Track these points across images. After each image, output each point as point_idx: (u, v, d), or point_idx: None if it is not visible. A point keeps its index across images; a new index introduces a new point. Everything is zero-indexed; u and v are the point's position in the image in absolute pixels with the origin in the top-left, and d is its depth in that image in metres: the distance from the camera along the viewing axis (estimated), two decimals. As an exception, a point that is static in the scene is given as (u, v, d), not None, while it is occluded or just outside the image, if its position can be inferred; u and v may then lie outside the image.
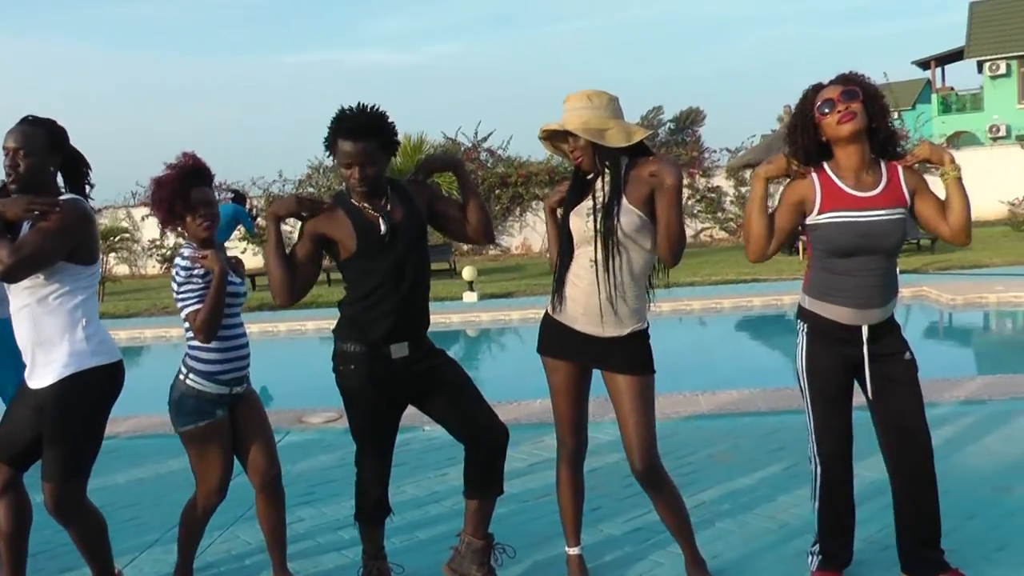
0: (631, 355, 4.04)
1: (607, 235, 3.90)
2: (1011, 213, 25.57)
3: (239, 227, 18.78)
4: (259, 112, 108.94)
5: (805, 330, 4.06)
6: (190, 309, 4.06)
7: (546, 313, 4.22)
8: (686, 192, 29.98)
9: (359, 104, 4.02)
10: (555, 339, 4.16)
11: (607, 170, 3.95)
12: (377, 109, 4.04)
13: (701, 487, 5.55)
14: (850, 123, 3.82)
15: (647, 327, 4.09)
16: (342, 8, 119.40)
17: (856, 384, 4.07)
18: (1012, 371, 8.74)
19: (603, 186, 3.97)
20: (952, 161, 3.93)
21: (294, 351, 13.82)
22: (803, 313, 4.08)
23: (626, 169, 3.97)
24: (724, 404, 7.54)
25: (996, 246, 20.73)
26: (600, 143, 3.89)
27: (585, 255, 4.01)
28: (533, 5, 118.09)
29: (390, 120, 4.05)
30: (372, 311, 4.07)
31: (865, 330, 3.92)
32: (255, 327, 13.64)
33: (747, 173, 29.68)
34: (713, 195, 30.24)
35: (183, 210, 4.13)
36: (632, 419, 4.03)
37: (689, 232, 30.16)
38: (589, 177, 4.05)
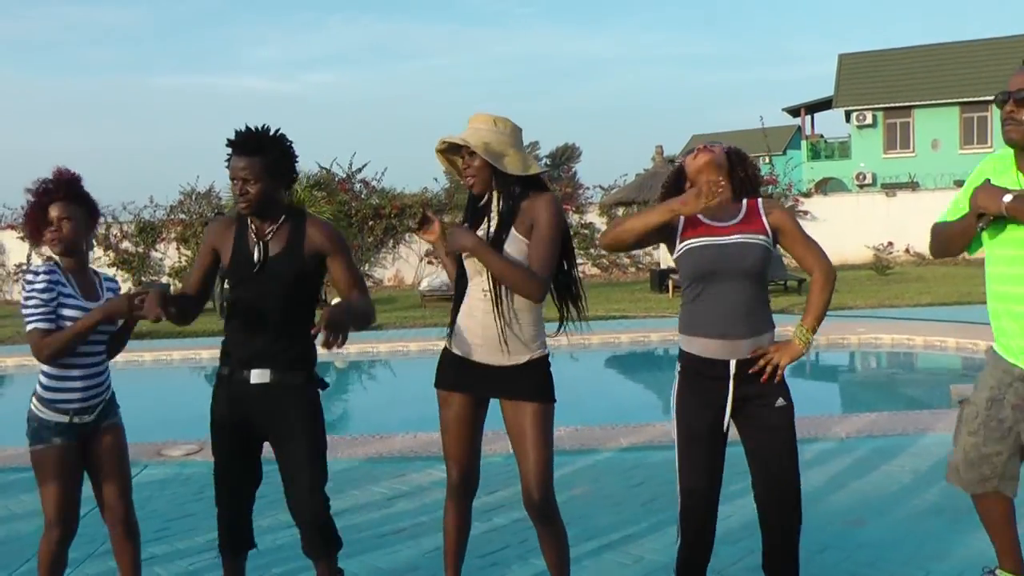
0: (531, 383, 4.04)
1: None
2: (876, 257, 26.46)
3: None
4: (130, 135, 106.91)
5: (678, 370, 4.05)
6: (30, 326, 3.95)
7: (444, 348, 4.22)
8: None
9: (246, 126, 3.98)
10: (452, 372, 4.15)
11: (498, 197, 3.99)
12: (272, 131, 4.00)
13: (560, 521, 5.56)
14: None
15: (547, 354, 4.11)
16: (219, 34, 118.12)
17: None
18: (871, 410, 9.01)
19: (494, 215, 4.00)
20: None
21: (159, 381, 13.44)
22: (680, 353, 4.07)
23: (517, 199, 3.98)
24: (586, 439, 7.58)
25: (861, 289, 21.40)
26: (497, 167, 3.93)
27: (478, 285, 4.03)
28: (410, 38, 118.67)
29: (283, 143, 4.01)
30: (231, 338, 4.08)
31: (732, 365, 3.88)
32: (120, 356, 13.13)
33: (620, 210, 30.18)
34: (586, 231, 30.64)
35: (40, 225, 4.07)
36: (532, 450, 4.02)
37: (562, 268, 30.43)
38: (480, 205, 4.08)
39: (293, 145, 4.06)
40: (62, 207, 4.06)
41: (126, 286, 25.41)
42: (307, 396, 4.09)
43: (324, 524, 4.10)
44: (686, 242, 3.92)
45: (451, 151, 4.14)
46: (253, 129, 3.97)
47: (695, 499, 4.00)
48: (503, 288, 3.95)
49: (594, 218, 30.75)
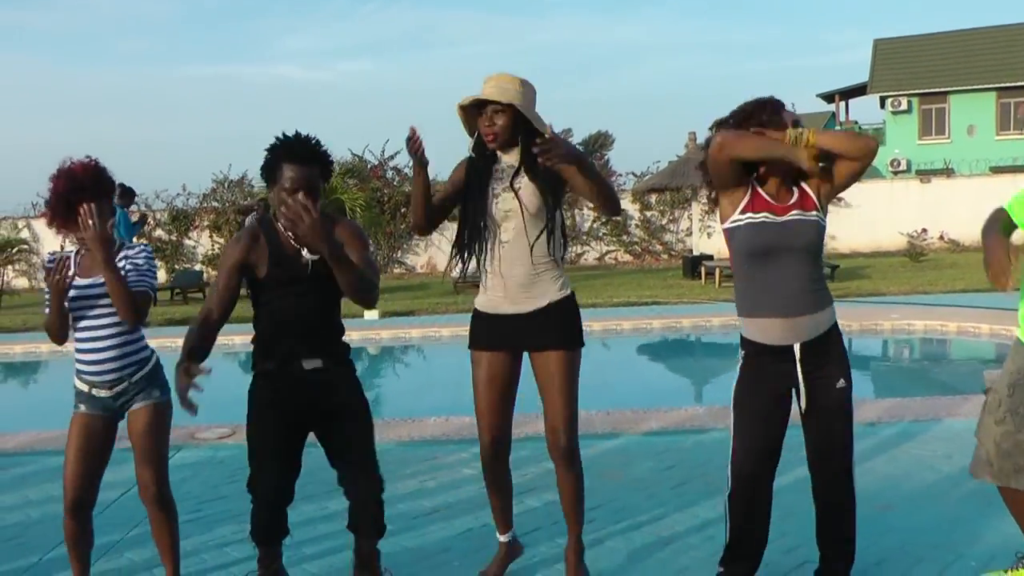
0: (557, 329, 4.20)
1: (523, 212, 4.13)
2: (909, 244, 26.26)
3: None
4: (163, 124, 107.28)
5: (743, 355, 4.07)
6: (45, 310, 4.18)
7: (474, 310, 4.38)
8: (591, 215, 30.32)
9: (297, 132, 4.05)
10: (483, 331, 4.32)
11: (521, 152, 4.13)
12: (315, 140, 4.08)
13: (589, 504, 5.53)
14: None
15: (570, 294, 4.25)
16: (251, 24, 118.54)
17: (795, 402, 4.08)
18: (902, 395, 8.97)
19: (512, 167, 4.18)
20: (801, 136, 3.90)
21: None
22: (742, 341, 4.08)
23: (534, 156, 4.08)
24: (617, 423, 7.61)
25: (894, 276, 21.26)
26: (536, 126, 4.06)
27: (496, 236, 4.20)
28: (443, 26, 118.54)
29: (327, 152, 4.11)
30: (266, 333, 4.17)
31: (797, 349, 3.91)
32: (154, 342, 13.26)
33: (652, 197, 30.13)
34: (618, 218, 30.56)
35: (63, 216, 4.17)
36: (559, 396, 4.20)
37: (594, 254, 30.50)
38: (481, 164, 4.25)
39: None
40: (93, 203, 4.12)
41: (160, 275, 25.69)
42: (356, 381, 4.23)
43: (378, 503, 4.20)
44: (747, 215, 3.94)
45: (472, 108, 4.22)
46: (305, 138, 4.03)
47: (748, 486, 4.04)
48: (524, 235, 4.13)
49: (626, 205, 30.63)
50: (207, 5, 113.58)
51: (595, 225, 30.66)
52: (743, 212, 3.95)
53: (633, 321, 14.76)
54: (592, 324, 14.27)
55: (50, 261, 4.13)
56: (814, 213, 3.94)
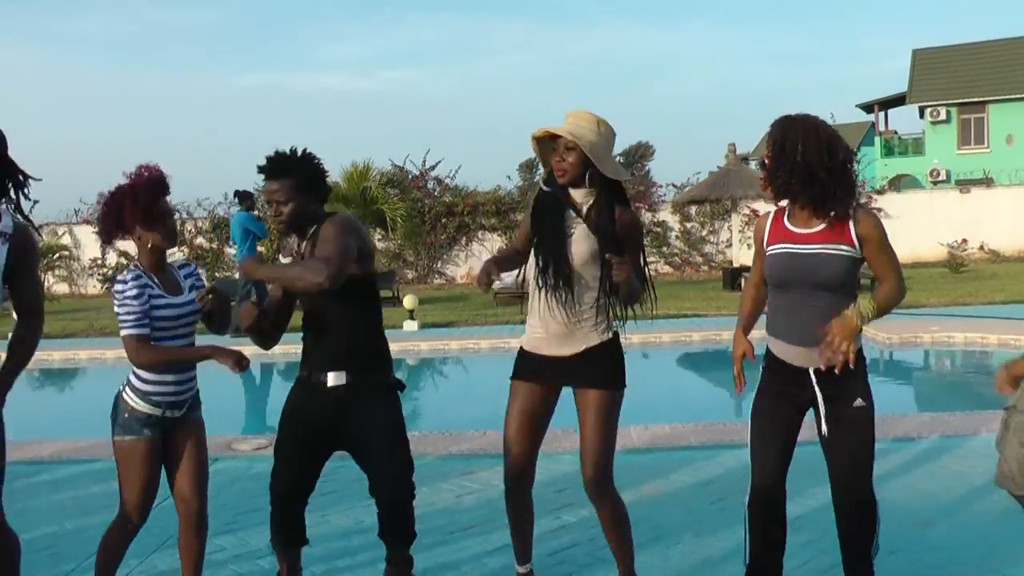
0: (594, 370, 4.19)
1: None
2: (949, 255, 25.95)
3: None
4: (207, 132, 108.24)
5: (764, 365, 4.13)
6: (124, 332, 4.02)
7: (519, 348, 4.39)
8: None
9: (290, 148, 4.19)
10: (524, 364, 4.33)
11: (588, 195, 4.15)
12: (301, 151, 4.20)
13: (628, 520, 5.53)
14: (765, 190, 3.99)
15: (610, 339, 4.22)
16: (296, 33, 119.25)
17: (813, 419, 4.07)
18: (943, 409, 8.84)
19: (582, 210, 4.16)
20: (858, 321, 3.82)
21: (231, 376, 13.49)
22: (766, 350, 4.13)
23: (607, 202, 4.15)
24: (656, 438, 7.54)
25: (934, 287, 21.01)
26: (599, 168, 4.08)
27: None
28: (487, 36, 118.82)
29: (310, 162, 4.19)
30: (306, 340, 4.27)
31: (812, 372, 3.92)
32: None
33: (692, 209, 29.99)
34: (659, 229, 30.49)
35: (142, 223, 4.06)
36: (591, 433, 4.18)
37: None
38: (550, 202, 4.22)
39: (321, 162, 4.25)
40: (165, 202, 4.13)
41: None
42: (385, 391, 4.24)
43: (408, 510, 4.22)
44: (770, 247, 4.00)
45: (547, 139, 4.21)
46: (280, 153, 4.16)
47: (766, 497, 4.06)
48: (561, 283, 4.11)
49: (667, 216, 30.58)
50: (254, 15, 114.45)
51: (634, 236, 30.55)
52: (768, 244, 4.02)
53: (673, 334, 14.64)
54: (631, 337, 14.13)
55: (136, 277, 4.03)
56: (844, 247, 3.85)
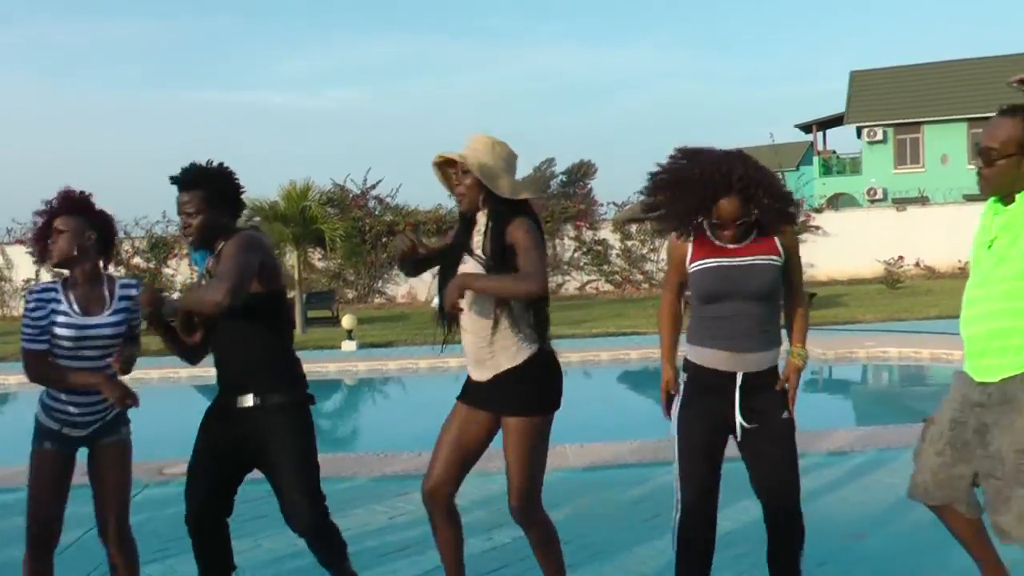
0: (511, 395, 4.10)
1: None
2: (886, 271, 26.32)
3: None
4: (145, 150, 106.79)
5: (686, 380, 4.10)
6: (22, 344, 4.00)
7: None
8: (572, 244, 30.44)
9: (207, 161, 4.16)
10: (464, 386, 4.27)
11: (487, 217, 4.09)
12: (216, 164, 4.15)
13: (561, 539, 5.48)
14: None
15: (525, 363, 4.08)
16: (240, 50, 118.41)
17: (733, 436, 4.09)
18: (876, 423, 8.92)
19: (480, 232, 4.11)
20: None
21: (166, 399, 13.32)
22: (686, 364, 4.11)
23: (504, 221, 4.06)
24: (592, 456, 7.51)
25: (871, 303, 21.27)
26: (490, 188, 4.02)
27: (465, 304, 4.09)
28: (431, 55, 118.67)
29: (223, 175, 4.13)
30: (216, 361, 4.20)
31: (739, 377, 3.95)
32: (127, 375, 13.04)
33: (633, 227, 30.17)
34: (599, 248, 30.62)
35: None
36: (511, 460, 4.12)
37: (574, 284, 30.52)
38: (467, 222, 4.19)
39: (236, 177, 4.18)
40: (59, 221, 4.09)
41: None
42: (293, 411, 4.12)
43: (325, 529, 4.14)
44: (698, 263, 3.99)
45: (447, 165, 4.19)
46: (193, 164, 4.10)
47: (695, 513, 4.03)
48: (474, 307, 4.05)
49: (607, 234, 30.72)
50: (197, 32, 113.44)
51: (576, 255, 30.69)
52: (694, 261, 4.01)
53: (611, 352, 14.69)
54: (570, 355, 14.24)
55: (42, 291, 4.04)
56: (773, 257, 3.97)
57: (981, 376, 3.73)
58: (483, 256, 4.04)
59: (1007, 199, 3.68)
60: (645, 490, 6.53)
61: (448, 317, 4.14)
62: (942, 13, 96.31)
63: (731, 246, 3.96)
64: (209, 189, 4.05)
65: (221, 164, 4.16)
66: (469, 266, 4.08)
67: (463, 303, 4.02)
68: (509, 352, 4.07)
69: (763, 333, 3.97)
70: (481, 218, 4.13)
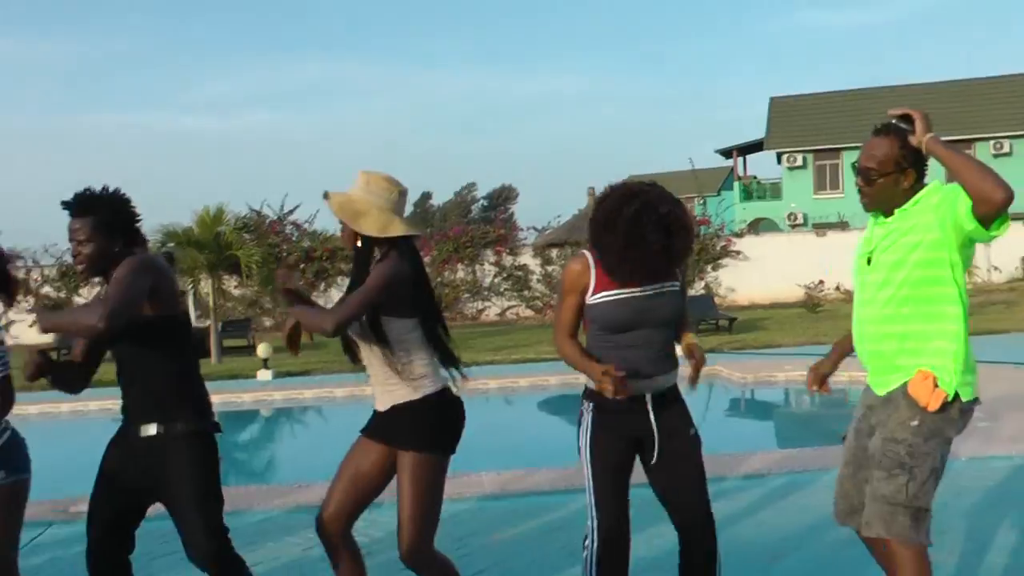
0: (405, 430, 4.07)
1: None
2: (807, 295, 26.73)
3: None
4: (58, 174, 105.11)
5: (591, 408, 4.09)
6: None
7: None
8: (493, 269, 30.55)
9: (101, 187, 4.06)
10: (370, 418, 4.24)
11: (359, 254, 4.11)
12: (110, 190, 4.05)
13: (475, 568, 5.45)
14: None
15: (424, 398, 4.07)
16: (154, 72, 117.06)
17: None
18: (794, 446, 9.04)
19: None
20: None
21: (77, 433, 13.01)
22: (588, 392, 4.12)
23: (368, 259, 4.10)
24: (508, 483, 7.50)
25: (791, 327, 21.58)
26: (350, 225, 4.04)
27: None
28: (349, 79, 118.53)
29: (115, 202, 4.03)
30: (120, 389, 4.11)
31: (649, 399, 3.99)
32: (34, 408, 12.88)
33: (553, 252, 30.33)
34: (520, 273, 30.72)
35: None
36: (401, 498, 4.06)
37: (495, 310, 30.57)
38: None
39: (132, 203, 4.09)
40: None
41: (48, 335, 25.00)
42: (196, 441, 4.04)
43: (228, 562, 4.06)
44: (604, 294, 3.98)
45: None
46: (86, 190, 4.01)
47: (614, 538, 4.03)
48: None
49: (528, 259, 30.83)
50: (108, 53, 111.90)
51: (496, 280, 30.76)
52: (597, 291, 3.99)
53: (530, 378, 14.72)
54: (489, 382, 14.29)
55: None
56: (675, 284, 4.07)
57: (876, 389, 3.95)
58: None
59: (888, 213, 3.86)
60: (561, 517, 6.53)
61: (349, 350, 4.20)
62: (861, 42, 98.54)
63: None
64: (101, 216, 3.96)
65: (116, 190, 4.07)
66: None
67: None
68: (410, 386, 4.07)
69: (668, 356, 4.06)
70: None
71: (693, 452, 4.09)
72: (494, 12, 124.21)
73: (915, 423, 3.74)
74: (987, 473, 7.31)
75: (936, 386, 3.71)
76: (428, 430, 4.07)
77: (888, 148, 3.80)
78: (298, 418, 14.54)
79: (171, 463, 3.97)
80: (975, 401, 3.84)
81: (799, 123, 45.94)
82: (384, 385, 4.11)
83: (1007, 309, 24.19)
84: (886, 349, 3.86)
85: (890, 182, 3.80)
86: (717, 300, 26.85)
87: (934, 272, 3.73)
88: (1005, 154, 41.78)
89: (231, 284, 25.43)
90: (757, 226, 44.31)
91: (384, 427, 4.13)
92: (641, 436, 4.03)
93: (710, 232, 31.50)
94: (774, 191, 48.21)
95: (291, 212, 30.93)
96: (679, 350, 4.13)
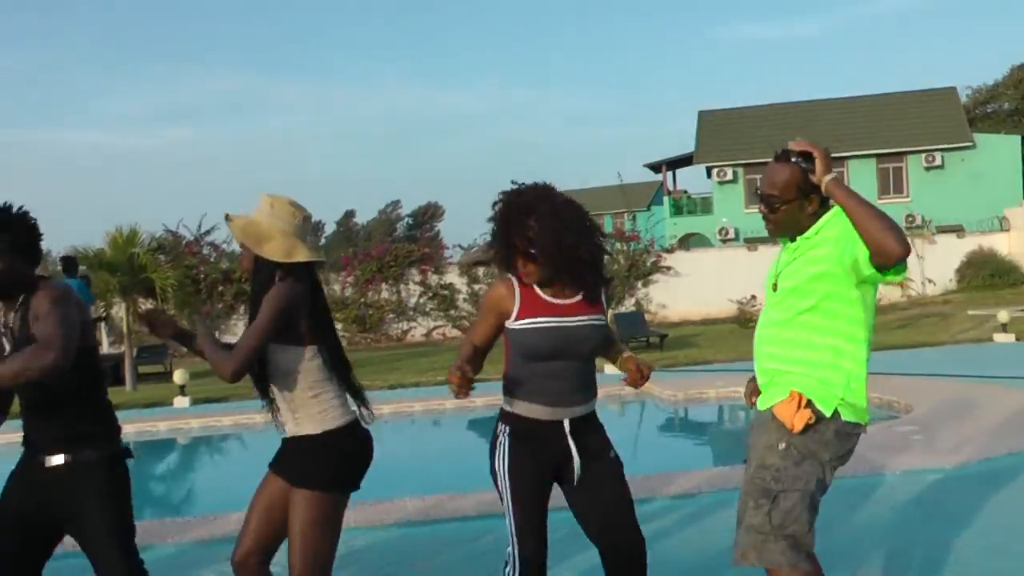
0: (300, 464, 4.02)
1: None
2: (739, 310, 26.99)
3: None
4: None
5: (507, 432, 4.08)
6: None
7: None
8: (418, 289, 30.51)
9: (4, 203, 3.96)
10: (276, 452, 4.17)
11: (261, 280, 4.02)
12: (15, 208, 3.96)
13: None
14: (528, 278, 3.98)
15: (331, 430, 4.01)
16: (68, 85, 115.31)
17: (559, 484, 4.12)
18: (725, 464, 9.09)
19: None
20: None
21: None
22: (504, 416, 4.12)
23: (267, 285, 4.01)
24: (432, 509, 7.46)
25: (723, 343, 21.76)
26: (253, 250, 3.98)
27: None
28: (273, 94, 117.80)
29: (28, 220, 3.96)
30: (23, 419, 4.01)
31: (567, 424, 3.99)
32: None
33: (480, 270, 30.34)
34: (446, 292, 30.69)
35: None
36: (293, 539, 3.97)
37: (421, 330, 30.51)
38: None
39: (37, 224, 4.01)
40: None
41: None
42: (106, 469, 3.97)
43: None
44: (528, 320, 3.98)
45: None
46: (3, 207, 3.93)
47: (535, 563, 4.01)
48: (283, 366, 4.01)
49: (454, 278, 30.82)
50: (21, 64, 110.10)
51: (422, 300, 30.70)
52: (522, 316, 3.99)
53: (456, 400, 14.57)
54: (414, 404, 14.22)
55: None
56: (602, 317, 4.09)
57: (759, 405, 3.97)
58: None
59: (793, 239, 3.91)
60: (488, 544, 6.48)
61: (256, 381, 4.12)
62: (790, 56, 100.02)
63: (560, 302, 4.00)
64: (15, 233, 3.90)
65: (21, 208, 3.98)
66: None
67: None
68: (313, 420, 4.01)
69: (588, 386, 4.08)
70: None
71: (616, 473, 4.09)
72: (419, 27, 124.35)
73: (782, 446, 3.75)
74: (921, 487, 7.43)
75: (801, 407, 3.71)
76: (321, 468, 3.98)
77: (789, 174, 3.82)
78: (216, 446, 14.33)
79: (82, 493, 3.90)
80: (859, 425, 3.85)
81: (729, 137, 46.48)
82: (288, 416, 4.05)
83: (942, 321, 24.66)
84: (772, 368, 3.89)
85: (793, 208, 3.83)
86: (648, 317, 27.03)
87: (829, 305, 3.74)
88: (937, 167, 42.62)
89: (147, 307, 25.09)
90: (688, 241, 44.76)
91: (281, 460, 4.09)
92: (560, 460, 4.02)
93: (640, 248, 31.74)
94: (705, 206, 48.67)
95: (208, 232, 30.57)
96: (614, 368, 4.13)
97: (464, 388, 3.73)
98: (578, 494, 4.08)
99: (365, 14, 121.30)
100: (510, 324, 4.01)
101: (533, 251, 3.88)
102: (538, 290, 4.00)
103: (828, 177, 3.67)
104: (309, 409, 4.00)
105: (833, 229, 3.74)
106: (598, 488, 4.05)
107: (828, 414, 3.74)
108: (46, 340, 3.67)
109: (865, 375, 3.83)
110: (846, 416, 3.78)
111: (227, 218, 4.05)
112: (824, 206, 3.85)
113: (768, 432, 3.80)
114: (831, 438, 3.77)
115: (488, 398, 14.59)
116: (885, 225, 3.48)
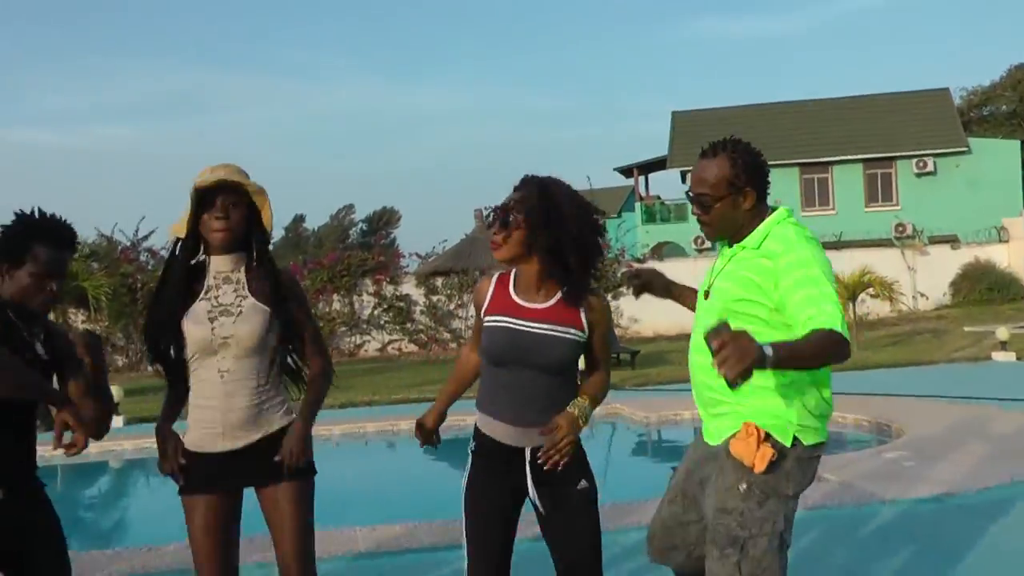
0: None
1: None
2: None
3: None
4: None
5: (472, 449, 4.08)
6: None
7: (186, 451, 4.09)
8: (372, 300, 30.41)
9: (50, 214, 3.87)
10: (195, 473, 4.07)
11: (249, 256, 4.02)
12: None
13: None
14: (497, 251, 3.91)
15: (284, 426, 4.06)
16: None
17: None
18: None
19: (239, 275, 4.01)
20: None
21: None
22: (475, 432, 4.10)
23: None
24: (384, 539, 7.41)
25: (697, 360, 21.74)
26: (264, 223, 3.99)
27: (212, 367, 3.98)
28: (218, 89, 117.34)
29: None
30: None
31: (528, 453, 3.93)
32: None
33: (439, 280, 30.29)
34: (402, 304, 30.61)
35: None
36: (293, 532, 4.02)
37: (375, 345, 30.42)
38: (191, 264, 4.03)
39: None
40: None
41: None
42: (47, 499, 3.95)
43: None
44: (491, 317, 3.96)
45: (209, 195, 3.93)
46: (63, 220, 3.86)
47: None
48: (249, 362, 3.97)
49: (411, 289, 30.74)
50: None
51: (376, 312, 30.58)
52: (487, 312, 4.00)
53: (410, 421, 14.47)
54: (367, 425, 14.16)
55: None
56: (573, 330, 3.93)
57: (706, 437, 3.96)
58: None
59: (733, 240, 3.90)
60: (443, 575, 6.47)
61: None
62: (775, 54, 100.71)
63: (529, 305, 3.93)
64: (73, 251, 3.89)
65: None
66: (230, 325, 4.03)
67: (224, 362, 3.97)
68: (280, 409, 4.06)
69: (554, 407, 3.91)
70: (223, 262, 4.03)
71: (581, 507, 4.00)
72: (374, 22, 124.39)
73: (743, 487, 3.71)
74: (912, 517, 7.42)
75: (760, 443, 3.66)
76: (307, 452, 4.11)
77: (718, 169, 3.84)
78: (152, 470, 14.16)
79: (25, 532, 3.82)
80: (820, 445, 3.81)
81: (705, 139, 44.61)
82: (255, 416, 4.04)
83: (935, 338, 24.80)
84: (713, 397, 3.85)
85: (727, 206, 3.82)
86: (619, 332, 27.05)
87: (765, 330, 3.65)
88: (929, 173, 42.97)
89: (78, 319, 24.86)
90: (661, 250, 44.80)
91: (246, 468, 4.05)
92: (524, 488, 3.99)
93: (610, 257, 31.74)
94: (679, 213, 48.72)
95: (146, 237, 30.33)
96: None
97: (426, 442, 3.98)
98: (545, 526, 4.05)
99: (315, 6, 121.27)
100: (483, 319, 4.01)
101: (512, 218, 3.84)
102: (512, 290, 3.97)
103: (769, 361, 3.21)
104: (278, 400, 4.09)
105: (779, 253, 3.69)
106: (560, 522, 4.00)
107: (788, 443, 3.70)
108: None
109: (822, 382, 3.77)
110: (806, 440, 3.74)
111: (241, 180, 3.92)
112: (762, 202, 3.83)
113: (725, 473, 3.76)
114: (791, 467, 3.74)
115: (449, 418, 14.61)
116: (826, 357, 3.47)
